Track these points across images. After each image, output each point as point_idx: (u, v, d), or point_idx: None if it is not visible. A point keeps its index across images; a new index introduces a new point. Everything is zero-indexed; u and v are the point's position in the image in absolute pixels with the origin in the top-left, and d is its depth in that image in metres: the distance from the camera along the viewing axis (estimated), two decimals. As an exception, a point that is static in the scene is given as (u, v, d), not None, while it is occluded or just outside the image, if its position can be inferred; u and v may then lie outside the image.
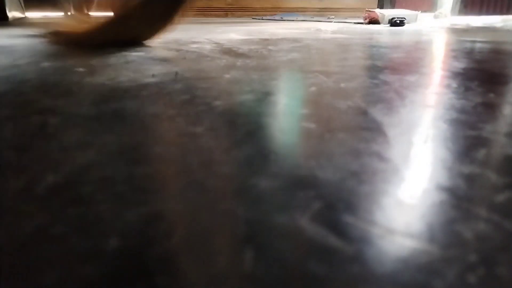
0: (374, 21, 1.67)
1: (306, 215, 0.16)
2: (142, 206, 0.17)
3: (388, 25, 1.55)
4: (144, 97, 0.36)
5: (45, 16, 1.96)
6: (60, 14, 1.47)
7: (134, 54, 0.67)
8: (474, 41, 0.90)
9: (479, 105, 0.34)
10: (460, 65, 0.56)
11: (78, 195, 0.18)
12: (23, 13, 1.96)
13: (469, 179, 0.20)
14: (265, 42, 0.89)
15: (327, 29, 1.36)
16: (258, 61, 0.60)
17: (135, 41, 0.78)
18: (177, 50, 0.74)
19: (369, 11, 1.73)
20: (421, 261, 0.13)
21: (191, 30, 1.24)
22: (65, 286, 0.12)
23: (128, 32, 0.75)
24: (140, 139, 0.25)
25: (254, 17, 2.43)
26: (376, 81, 0.44)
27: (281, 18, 2.18)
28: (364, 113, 0.32)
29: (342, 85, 0.43)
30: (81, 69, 0.52)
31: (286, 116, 0.31)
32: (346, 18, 2.12)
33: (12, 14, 1.75)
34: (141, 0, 0.72)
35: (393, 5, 2.59)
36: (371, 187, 0.19)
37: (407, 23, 1.57)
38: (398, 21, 1.53)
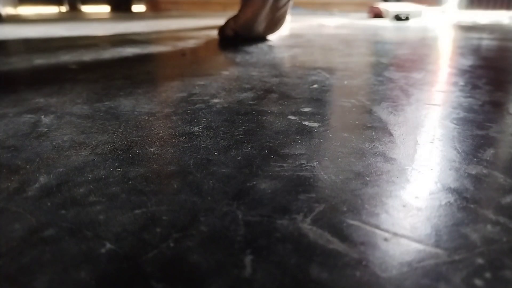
0: (378, 16, 1.66)
1: (308, 217, 0.16)
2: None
3: (394, 19, 1.53)
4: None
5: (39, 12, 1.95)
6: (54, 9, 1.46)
7: (129, 51, 0.67)
8: (480, 38, 0.89)
9: (486, 104, 0.33)
10: (467, 62, 0.55)
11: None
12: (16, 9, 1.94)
13: (477, 180, 0.19)
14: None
15: (330, 24, 1.34)
16: (258, 57, 0.59)
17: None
18: (174, 46, 0.73)
19: (374, 6, 1.72)
20: (428, 265, 0.13)
21: (188, 24, 1.24)
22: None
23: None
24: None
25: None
26: (381, 79, 0.44)
27: None
28: (369, 111, 0.31)
29: (346, 82, 0.42)
30: (73, 66, 0.52)
31: (285, 114, 0.30)
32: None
33: (5, 10, 1.74)
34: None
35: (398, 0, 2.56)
36: (376, 188, 0.18)
37: (412, 18, 1.56)
38: (403, 17, 1.51)
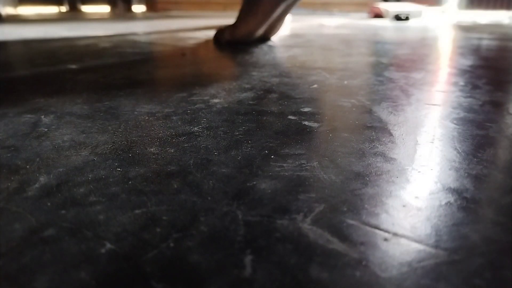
0: (378, 16, 1.66)
1: (308, 218, 0.16)
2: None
3: (394, 19, 1.53)
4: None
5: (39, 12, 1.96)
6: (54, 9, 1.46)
7: (129, 51, 0.67)
8: (480, 38, 0.89)
9: (486, 104, 0.33)
10: (467, 62, 0.55)
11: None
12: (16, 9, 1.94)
13: (477, 180, 0.19)
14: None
15: (330, 24, 1.34)
16: (258, 57, 0.59)
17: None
18: (174, 46, 0.73)
19: (374, 6, 1.72)
20: (428, 265, 0.13)
21: (188, 24, 1.24)
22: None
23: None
24: (139, 137, 0.25)
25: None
26: (381, 79, 0.44)
27: None
28: (369, 111, 0.31)
29: (346, 82, 0.42)
30: (73, 66, 0.52)
31: (285, 114, 0.30)
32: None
33: (5, 10, 1.73)
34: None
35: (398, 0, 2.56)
36: (376, 188, 0.18)
37: (412, 18, 1.56)
38: (403, 17, 1.51)
